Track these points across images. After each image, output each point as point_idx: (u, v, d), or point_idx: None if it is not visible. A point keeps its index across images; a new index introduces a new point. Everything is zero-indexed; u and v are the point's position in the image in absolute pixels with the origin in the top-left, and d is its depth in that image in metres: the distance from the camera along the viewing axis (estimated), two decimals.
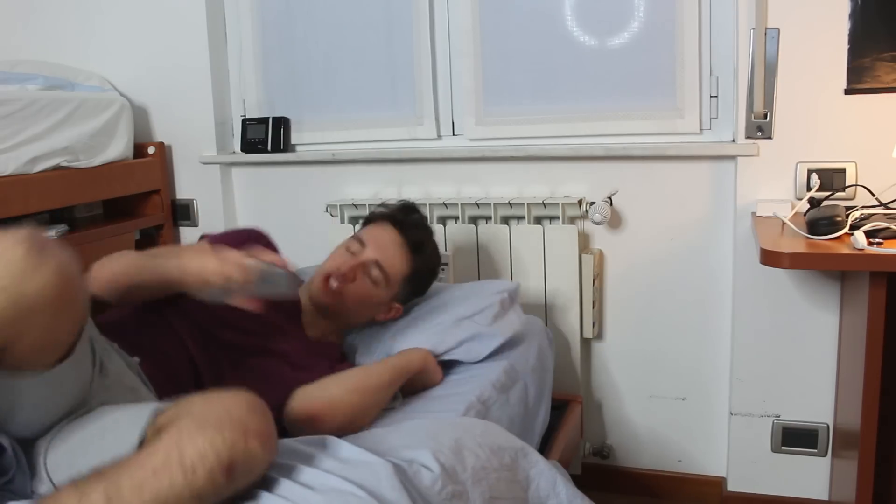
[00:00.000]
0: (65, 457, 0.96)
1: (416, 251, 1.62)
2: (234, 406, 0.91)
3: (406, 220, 1.65)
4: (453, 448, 1.09)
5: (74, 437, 0.98)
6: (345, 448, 1.04)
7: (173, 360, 1.30)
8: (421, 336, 1.57)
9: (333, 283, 1.52)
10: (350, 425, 1.27)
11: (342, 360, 1.56)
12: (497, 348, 1.59)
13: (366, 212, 2.12)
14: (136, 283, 1.28)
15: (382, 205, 1.77)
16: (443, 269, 2.05)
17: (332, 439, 1.07)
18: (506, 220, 2.06)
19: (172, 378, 1.25)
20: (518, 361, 1.62)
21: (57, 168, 1.96)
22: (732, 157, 1.89)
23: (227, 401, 0.92)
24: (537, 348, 1.73)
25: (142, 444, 0.91)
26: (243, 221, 2.40)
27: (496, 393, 1.49)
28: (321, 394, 1.30)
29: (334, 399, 1.29)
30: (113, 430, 0.96)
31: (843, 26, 1.75)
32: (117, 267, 1.30)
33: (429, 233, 1.69)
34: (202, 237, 1.61)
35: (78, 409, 1.02)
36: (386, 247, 1.59)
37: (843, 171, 1.78)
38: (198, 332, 1.35)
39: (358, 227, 1.78)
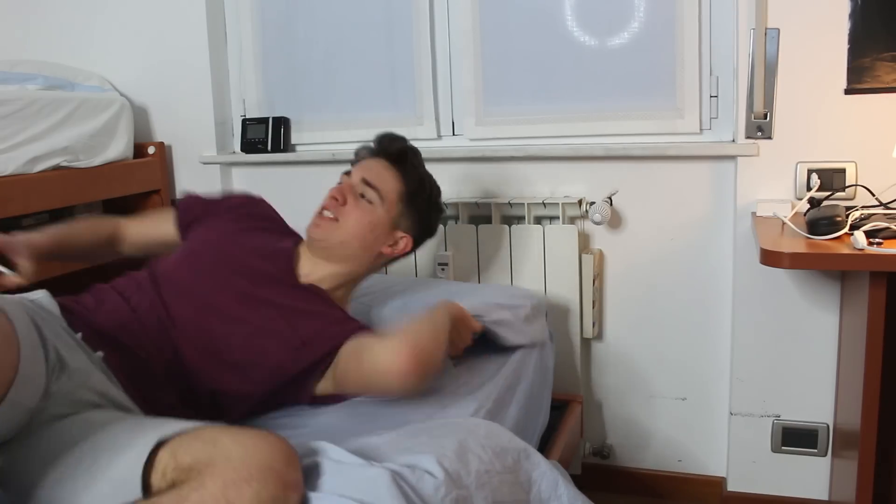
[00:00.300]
0: (47, 490, 0.91)
1: (402, 162, 1.55)
2: (273, 456, 0.89)
3: (385, 142, 1.59)
4: (457, 451, 1.08)
5: (54, 470, 0.92)
6: (342, 455, 1.02)
7: (148, 334, 1.29)
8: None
9: (326, 213, 1.48)
10: (433, 376, 1.31)
11: (333, 306, 1.46)
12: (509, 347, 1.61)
13: None
14: None
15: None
16: (443, 269, 2.06)
17: (327, 445, 1.04)
18: (506, 220, 2.06)
19: (143, 366, 1.24)
20: (523, 361, 1.62)
21: (57, 168, 1.96)
22: (732, 157, 1.89)
23: (264, 449, 0.90)
24: (539, 348, 1.73)
25: (145, 485, 0.88)
26: None
27: (504, 392, 1.48)
28: (410, 346, 1.26)
29: (425, 350, 1.27)
30: (106, 467, 0.91)
31: (843, 26, 1.75)
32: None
33: (416, 150, 1.62)
34: (183, 198, 1.64)
35: (34, 418, 0.98)
36: (371, 167, 1.53)
37: (843, 171, 1.78)
38: (179, 294, 1.35)
39: None
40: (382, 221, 1.50)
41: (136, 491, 0.86)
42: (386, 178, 1.52)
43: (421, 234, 1.59)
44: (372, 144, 1.60)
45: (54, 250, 1.45)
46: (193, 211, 1.61)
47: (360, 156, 1.60)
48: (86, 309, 1.28)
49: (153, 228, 1.63)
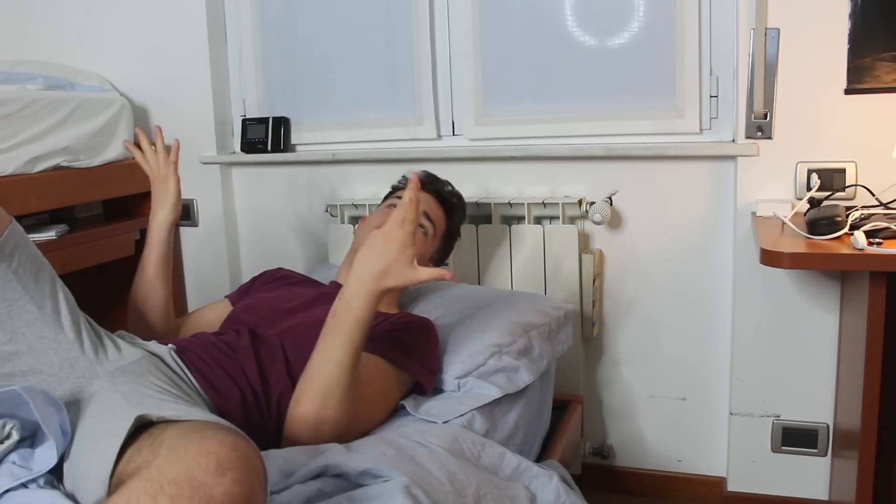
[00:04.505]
0: (71, 456, 0.95)
1: (453, 209, 1.73)
2: (199, 464, 0.76)
3: (436, 182, 1.75)
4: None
5: (77, 438, 0.97)
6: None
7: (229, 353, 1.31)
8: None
9: None
10: (344, 435, 1.15)
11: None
12: None
13: (366, 212, 2.12)
14: None
15: (404, 177, 1.86)
16: (444, 268, 2.06)
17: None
18: (506, 220, 2.06)
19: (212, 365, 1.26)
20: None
21: (57, 168, 1.95)
22: (732, 157, 1.89)
23: (188, 457, 0.77)
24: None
25: (114, 469, 0.84)
26: (243, 221, 2.40)
27: (506, 401, 1.48)
28: (297, 414, 1.15)
29: (307, 418, 1.13)
30: (96, 441, 0.91)
31: (843, 26, 1.75)
32: None
33: (459, 195, 1.79)
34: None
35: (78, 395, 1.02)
36: (427, 200, 1.67)
37: (843, 171, 1.78)
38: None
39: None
40: (427, 253, 1.66)
41: (106, 475, 0.85)
42: (439, 214, 1.69)
43: (438, 262, 1.77)
44: (422, 177, 1.71)
45: (163, 257, 1.58)
46: (239, 297, 1.68)
47: (401, 182, 1.81)
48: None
49: (210, 312, 1.66)
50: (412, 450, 1.14)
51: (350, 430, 1.17)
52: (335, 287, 1.51)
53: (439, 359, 1.46)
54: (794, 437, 1.93)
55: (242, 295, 1.67)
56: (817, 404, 1.90)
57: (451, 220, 1.73)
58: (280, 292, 1.59)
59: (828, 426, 1.90)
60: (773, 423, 1.94)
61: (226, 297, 1.71)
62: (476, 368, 1.46)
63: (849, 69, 1.76)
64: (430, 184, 1.73)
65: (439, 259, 1.76)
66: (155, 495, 0.73)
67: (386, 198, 1.82)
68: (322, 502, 0.94)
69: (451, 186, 1.79)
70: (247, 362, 1.27)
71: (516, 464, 1.25)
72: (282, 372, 1.28)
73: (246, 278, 2.03)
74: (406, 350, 1.34)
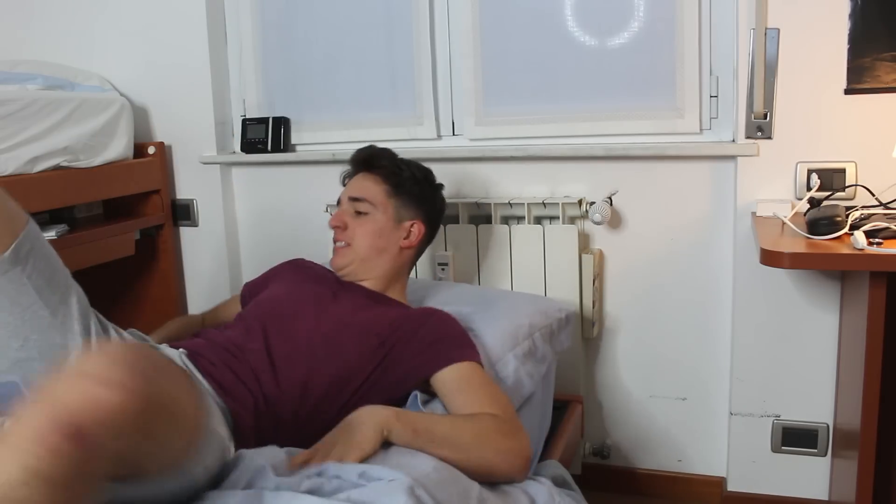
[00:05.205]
0: None
1: (374, 165, 1.63)
2: (86, 360, 0.75)
3: (354, 157, 1.68)
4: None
5: None
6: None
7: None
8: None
9: (338, 244, 1.57)
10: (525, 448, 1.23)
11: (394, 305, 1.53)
12: None
13: None
14: None
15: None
16: (443, 269, 2.06)
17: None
18: (506, 220, 2.06)
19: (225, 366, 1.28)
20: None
21: (57, 168, 1.95)
22: (732, 157, 1.89)
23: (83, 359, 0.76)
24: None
25: None
26: (243, 221, 2.40)
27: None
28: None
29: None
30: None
31: (843, 26, 1.75)
32: None
33: (382, 150, 1.67)
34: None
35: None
36: (352, 185, 1.64)
37: (843, 171, 1.78)
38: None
39: None
40: (385, 222, 1.58)
41: None
42: (367, 185, 1.60)
43: (427, 213, 1.65)
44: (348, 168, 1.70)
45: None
46: (255, 288, 1.69)
47: (343, 183, 1.70)
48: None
49: (225, 311, 1.74)
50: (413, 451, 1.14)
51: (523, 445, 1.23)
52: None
53: None
54: (794, 437, 1.93)
55: (260, 287, 1.66)
56: (817, 404, 1.90)
57: (383, 176, 1.61)
58: (295, 288, 1.57)
59: (828, 426, 1.90)
60: (773, 423, 1.94)
61: (245, 284, 1.74)
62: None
63: (849, 69, 1.76)
64: (351, 162, 1.68)
65: (419, 207, 1.63)
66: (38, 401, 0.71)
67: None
68: (325, 499, 0.94)
69: (369, 148, 1.68)
70: (258, 366, 1.28)
71: None
72: (293, 375, 1.29)
73: (246, 278, 2.03)
74: (467, 344, 1.38)
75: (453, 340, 1.37)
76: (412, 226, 1.60)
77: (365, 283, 1.56)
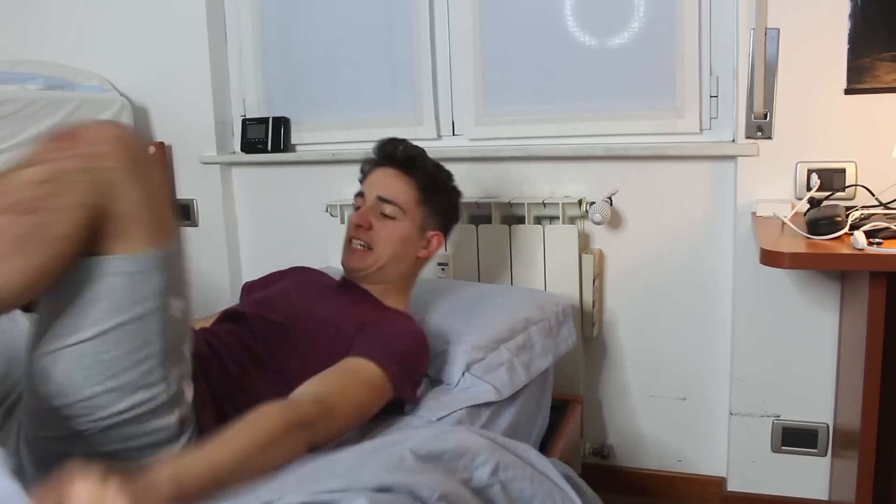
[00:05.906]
0: None
1: (412, 167, 1.54)
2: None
3: (388, 149, 1.57)
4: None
5: None
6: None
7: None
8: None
9: (357, 244, 1.48)
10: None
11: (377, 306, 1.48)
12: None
13: None
14: None
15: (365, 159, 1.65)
16: (443, 269, 2.06)
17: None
18: (506, 220, 2.06)
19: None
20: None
21: None
22: (732, 157, 1.89)
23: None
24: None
25: None
26: (243, 221, 2.40)
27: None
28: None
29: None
30: None
31: (843, 26, 1.75)
32: None
33: (419, 150, 1.59)
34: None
35: None
36: (381, 181, 1.53)
37: (843, 171, 1.78)
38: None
39: None
40: (411, 231, 1.51)
41: None
42: (400, 188, 1.51)
43: (448, 224, 1.62)
44: (374, 155, 1.59)
45: None
46: (255, 288, 1.65)
47: (365, 170, 1.59)
48: None
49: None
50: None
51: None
52: (352, 290, 1.51)
53: (442, 353, 1.46)
54: (794, 437, 1.93)
55: (260, 287, 1.62)
56: (817, 404, 1.90)
57: (419, 182, 1.53)
58: (293, 286, 1.54)
59: (828, 426, 1.90)
60: (773, 423, 1.94)
61: (245, 284, 1.70)
62: (476, 363, 1.47)
63: (849, 69, 1.76)
64: (382, 156, 1.56)
65: (444, 217, 1.59)
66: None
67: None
68: None
69: (407, 145, 1.58)
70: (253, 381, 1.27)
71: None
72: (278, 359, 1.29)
73: (246, 278, 2.03)
74: (398, 362, 1.28)
75: (390, 346, 1.30)
76: (433, 237, 1.55)
77: (370, 288, 1.51)
